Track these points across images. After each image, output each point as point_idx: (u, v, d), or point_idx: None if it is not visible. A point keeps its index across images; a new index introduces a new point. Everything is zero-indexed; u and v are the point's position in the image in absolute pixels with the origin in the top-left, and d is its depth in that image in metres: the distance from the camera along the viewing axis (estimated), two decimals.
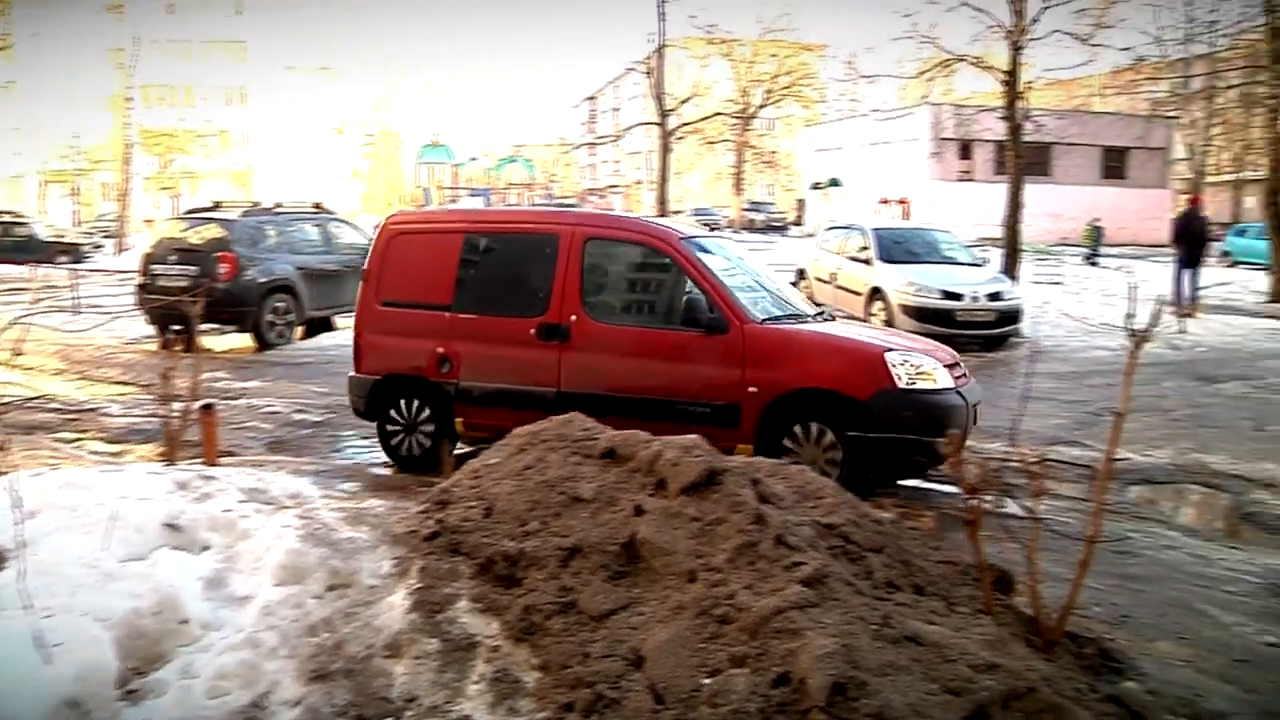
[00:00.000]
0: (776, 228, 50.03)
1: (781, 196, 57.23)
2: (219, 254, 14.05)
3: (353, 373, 8.30)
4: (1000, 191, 20.51)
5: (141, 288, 14.75)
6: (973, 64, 21.20)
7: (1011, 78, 19.51)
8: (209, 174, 64.83)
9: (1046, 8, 19.58)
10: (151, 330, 14.73)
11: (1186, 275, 19.25)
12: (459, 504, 4.14)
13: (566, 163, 73.25)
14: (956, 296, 14.70)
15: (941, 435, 6.43)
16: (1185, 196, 22.75)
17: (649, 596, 3.47)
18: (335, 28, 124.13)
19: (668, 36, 30.96)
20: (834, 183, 37.99)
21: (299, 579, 3.97)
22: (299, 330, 15.19)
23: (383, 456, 8.18)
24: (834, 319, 8.37)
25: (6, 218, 32.61)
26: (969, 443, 6.82)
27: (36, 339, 11.58)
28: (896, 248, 16.26)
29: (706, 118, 35.60)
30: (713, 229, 18.11)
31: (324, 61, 78.57)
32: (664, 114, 30.68)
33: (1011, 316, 15.18)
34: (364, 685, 3.52)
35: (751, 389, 6.95)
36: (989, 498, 3.89)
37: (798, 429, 6.95)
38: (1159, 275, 20.44)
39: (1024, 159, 20.34)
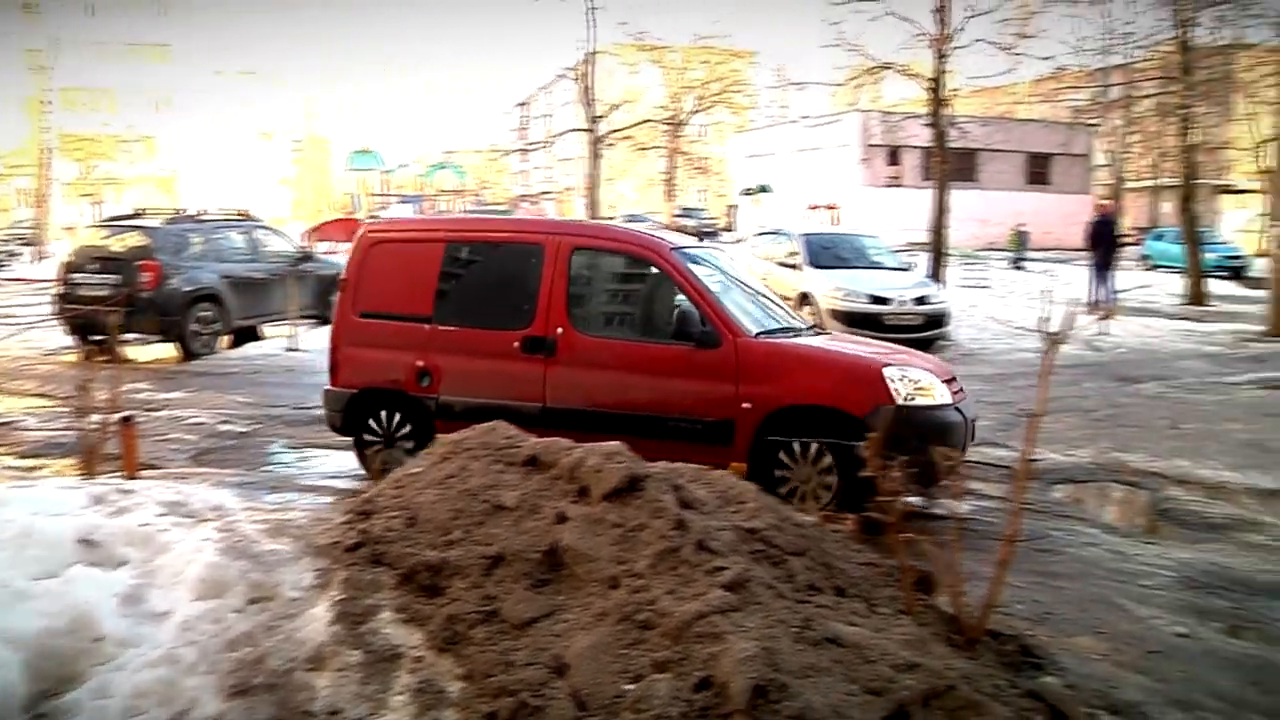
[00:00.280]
0: (708, 233, 50.29)
1: (714, 202, 57.55)
2: (141, 262, 13.77)
3: (328, 386, 8.02)
4: (928, 197, 20.84)
5: (60, 297, 14.39)
6: (899, 72, 21.54)
7: (936, 85, 19.86)
8: (133, 180, 63.40)
9: (970, 17, 20.01)
10: (71, 341, 14.38)
11: (1102, 278, 19.79)
12: (382, 514, 4.10)
13: (499, 169, 73.01)
14: (884, 301, 14.93)
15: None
16: (1098, 203, 23.35)
17: (572, 603, 3.47)
18: (263, 32, 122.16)
19: (598, 43, 31.02)
20: (764, 189, 38.33)
21: (219, 593, 3.90)
22: (225, 340, 14.94)
23: (311, 467, 8.07)
24: (827, 332, 8.26)
25: None
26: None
27: None
28: (825, 253, 16.48)
29: (637, 124, 35.65)
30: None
31: (251, 66, 77.36)
32: (594, 120, 30.71)
33: (938, 320, 15.44)
34: (286, 699, 3.47)
35: (745, 405, 6.76)
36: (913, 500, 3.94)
37: (796, 446, 6.75)
38: (1081, 279, 20.95)
39: (950, 165, 20.72)
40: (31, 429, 9.61)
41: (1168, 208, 37.52)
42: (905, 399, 6.64)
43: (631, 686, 3.04)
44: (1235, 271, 29.04)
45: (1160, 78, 26.61)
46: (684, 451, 6.27)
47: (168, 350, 14.27)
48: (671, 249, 7.47)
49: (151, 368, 13.39)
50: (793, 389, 6.78)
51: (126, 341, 13.48)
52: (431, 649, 3.54)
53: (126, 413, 6.01)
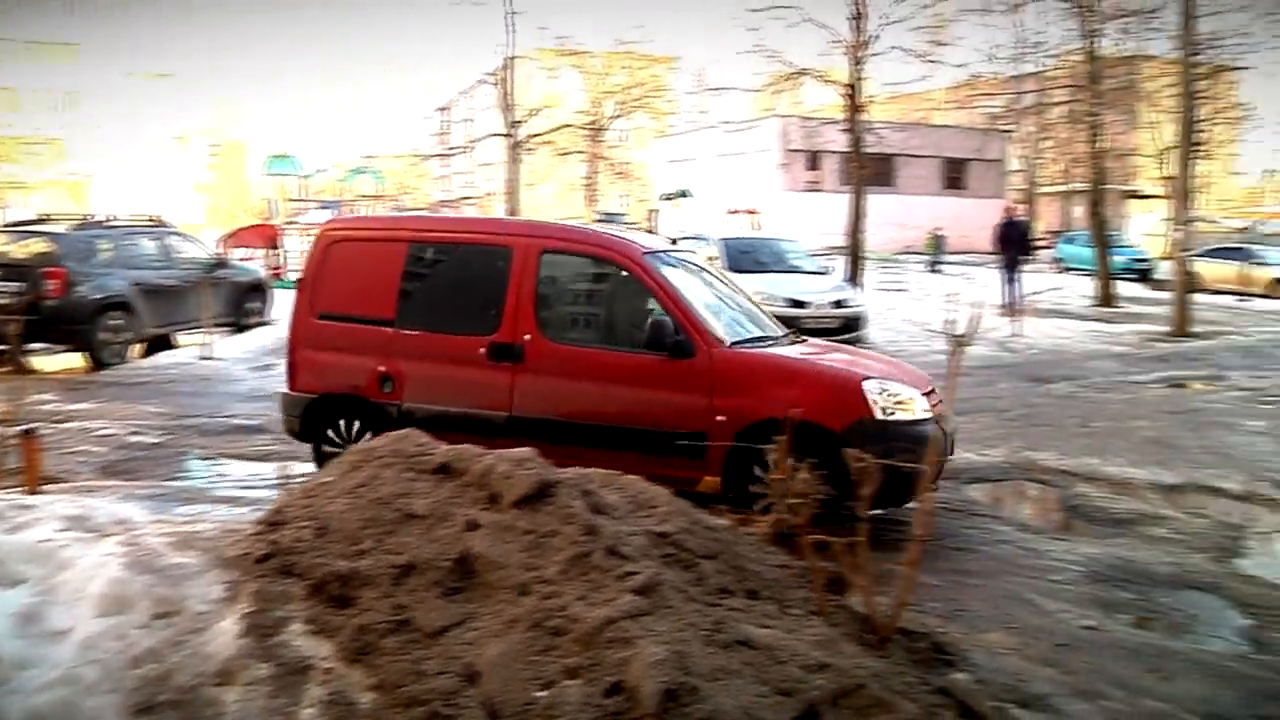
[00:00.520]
0: None
1: (635, 207, 57.68)
2: (46, 269, 13.37)
3: (285, 390, 7.79)
4: (847, 201, 21.15)
5: None
6: (816, 78, 21.84)
7: (853, 91, 20.17)
8: (39, 184, 61.65)
9: (885, 25, 20.36)
10: None
11: (1011, 280, 20.28)
12: (292, 524, 4.04)
13: (419, 174, 72.33)
14: (802, 304, 15.10)
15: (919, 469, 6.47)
16: (1006, 206, 23.92)
17: (483, 611, 3.45)
18: (178, 33, 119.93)
19: (518, 47, 30.93)
20: (684, 193, 38.47)
21: (123, 609, 3.80)
22: (137, 349, 14.60)
23: (226, 478, 7.92)
24: (804, 340, 7.95)
25: None
26: None
27: None
28: (744, 257, 16.63)
29: (557, 129, 35.61)
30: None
31: (166, 68, 75.78)
32: (513, 125, 30.63)
33: (855, 323, 15.66)
34: (192, 715, 3.39)
35: (719, 417, 6.51)
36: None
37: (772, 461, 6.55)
38: (995, 282, 21.41)
39: (867, 170, 21.08)
40: None
41: (1079, 212, 38.46)
42: (885, 413, 6.48)
43: (543, 693, 3.03)
44: (1142, 274, 29.88)
45: (1070, 86, 27.36)
46: (655, 465, 6.23)
47: (76, 360, 13.89)
48: (644, 253, 7.25)
49: (58, 378, 13.02)
50: (769, 402, 6.48)
51: (31, 351, 13.11)
52: (342, 660, 3.49)
53: (29, 425, 5.84)
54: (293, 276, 24.76)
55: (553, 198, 54.29)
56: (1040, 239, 40.53)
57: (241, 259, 22.02)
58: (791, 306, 15.01)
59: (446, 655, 3.30)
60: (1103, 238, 24.61)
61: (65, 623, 3.78)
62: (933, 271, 31.25)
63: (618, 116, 42.85)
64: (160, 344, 15.12)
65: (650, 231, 50.69)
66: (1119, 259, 27.95)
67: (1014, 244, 20.53)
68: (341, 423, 7.45)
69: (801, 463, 6.10)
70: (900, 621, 4.05)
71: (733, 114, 49.24)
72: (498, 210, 47.63)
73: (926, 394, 6.83)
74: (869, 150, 21.28)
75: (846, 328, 15.40)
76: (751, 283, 15.50)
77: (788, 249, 17.84)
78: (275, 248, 25.77)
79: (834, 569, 4.03)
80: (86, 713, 3.33)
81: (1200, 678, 4.66)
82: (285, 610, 3.74)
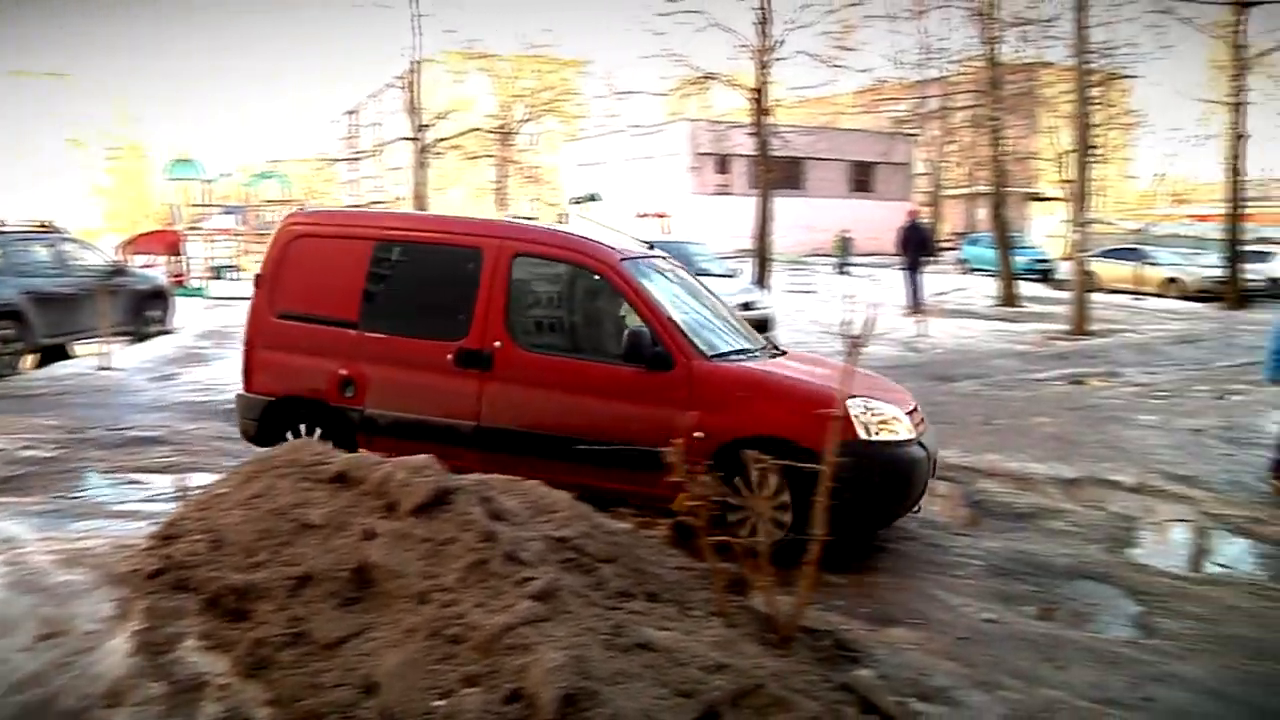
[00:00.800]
0: None
1: (545, 211, 57.57)
2: None
3: (241, 391, 7.48)
4: (755, 205, 21.36)
5: None
6: (723, 82, 22.02)
7: (759, 95, 20.38)
8: None
9: (791, 29, 20.62)
10: None
11: (914, 281, 20.70)
12: (186, 538, 3.94)
13: (326, 178, 71.21)
14: None
15: (903, 491, 6.35)
16: (909, 209, 24.41)
17: (381, 621, 3.40)
18: (73, 32, 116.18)
19: (426, 51, 30.67)
20: (593, 197, 38.49)
21: (4, 632, 3.67)
22: (29, 359, 14.10)
23: (124, 492, 7.67)
24: (784, 353, 7.60)
25: None
26: None
27: None
28: None
29: (464, 133, 35.34)
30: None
31: (59, 67, 73.45)
32: (421, 129, 30.33)
33: (762, 325, 15.73)
34: None
35: (697, 434, 6.02)
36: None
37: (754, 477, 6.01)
38: (899, 283, 21.83)
39: (775, 173, 21.33)
40: None
41: (983, 214, 39.35)
42: (869, 434, 6.22)
43: (441, 702, 3.00)
44: (1044, 274, 30.68)
45: (972, 91, 27.98)
46: (629, 480, 6.17)
47: None
48: (622, 259, 6.95)
49: None
50: (749, 419, 6.22)
51: None
52: (238, 675, 3.42)
53: None
54: (195, 283, 24.28)
55: (462, 202, 53.93)
56: (944, 241, 41.44)
57: (142, 266, 21.44)
58: None
59: (344, 667, 3.24)
60: (1005, 239, 25.23)
61: None
62: (841, 273, 31.71)
63: (527, 120, 42.70)
64: (55, 354, 14.63)
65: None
66: (1021, 260, 28.69)
67: (916, 246, 20.97)
68: (301, 427, 7.15)
69: (783, 482, 5.95)
70: (803, 620, 4.10)
71: (642, 118, 49.49)
72: None
73: (910, 413, 6.62)
74: (776, 154, 21.52)
75: (754, 329, 15.51)
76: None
77: (695, 252, 17.92)
78: (177, 254, 25.15)
79: (735, 570, 4.05)
80: None
81: (1093, 664, 4.83)
82: (178, 626, 3.65)
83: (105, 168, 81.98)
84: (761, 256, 20.88)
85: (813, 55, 21.67)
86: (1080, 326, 19.13)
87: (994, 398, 12.43)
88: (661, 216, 32.83)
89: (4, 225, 15.14)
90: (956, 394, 12.65)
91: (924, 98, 36.45)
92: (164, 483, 7.81)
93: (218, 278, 25.77)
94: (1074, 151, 20.89)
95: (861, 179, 49.05)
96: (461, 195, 53.06)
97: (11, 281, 13.76)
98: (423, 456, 4.07)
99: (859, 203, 46.28)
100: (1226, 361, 15.41)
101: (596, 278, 6.95)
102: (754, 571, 3.95)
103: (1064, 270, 24.18)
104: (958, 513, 7.87)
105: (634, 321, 6.61)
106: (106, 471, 8.61)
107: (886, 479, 6.22)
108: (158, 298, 17.32)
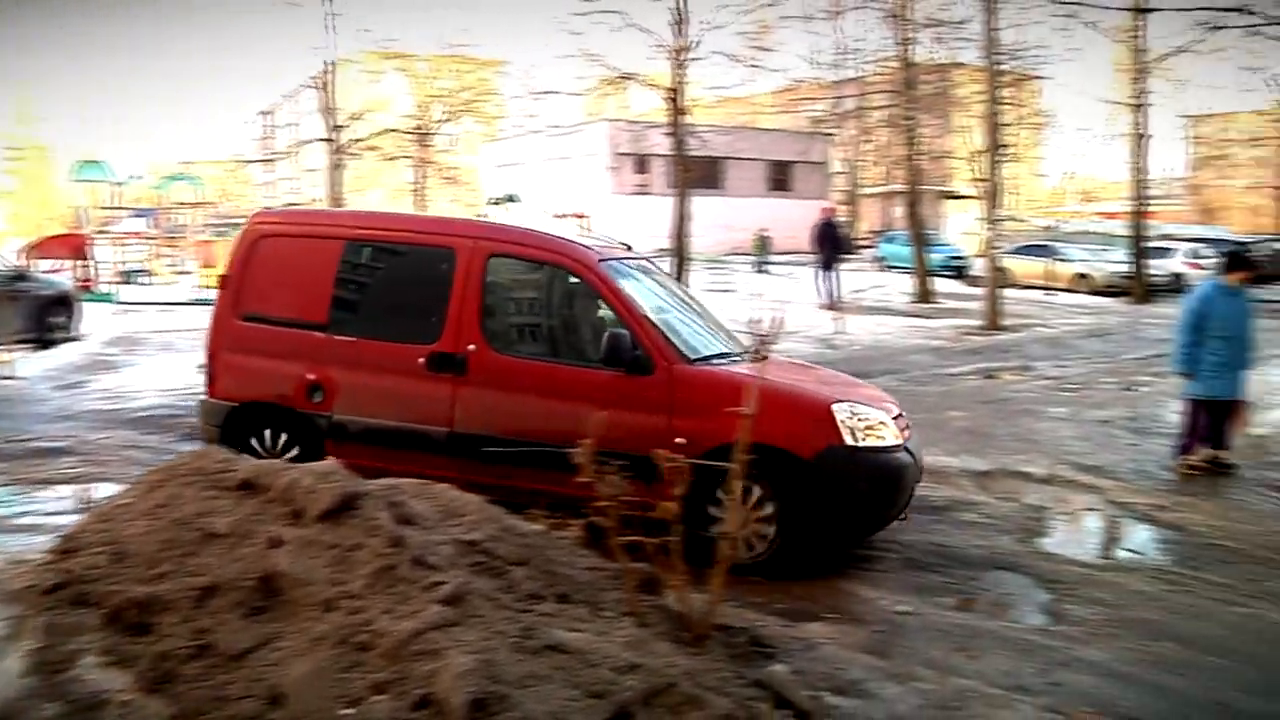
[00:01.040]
0: None
1: (464, 212, 57.21)
2: None
3: (205, 396, 7.22)
4: (673, 204, 21.45)
5: None
6: (640, 82, 22.08)
7: (675, 95, 20.47)
8: None
9: (707, 30, 20.75)
10: None
11: (828, 278, 20.99)
12: (86, 550, 3.81)
13: (240, 180, 69.94)
14: None
15: (891, 499, 6.28)
16: (822, 207, 24.74)
17: (288, 630, 3.33)
18: None
19: (341, 50, 30.26)
20: (512, 198, 38.31)
21: None
22: None
23: (25, 506, 7.42)
24: (766, 356, 7.51)
25: None
26: None
27: None
28: None
29: (381, 133, 34.92)
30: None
31: None
32: (335, 130, 29.93)
33: None
34: None
35: (679, 440, 5.72)
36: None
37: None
38: (814, 280, 22.10)
39: (693, 173, 21.44)
40: None
41: (899, 212, 40.00)
42: (855, 440, 6.10)
43: (350, 711, 2.95)
44: (959, 271, 31.27)
45: (887, 91, 28.45)
46: None
47: None
48: (600, 260, 6.76)
49: None
50: (732, 425, 5.77)
51: None
52: (140, 691, 3.31)
53: None
54: (104, 288, 23.62)
55: (380, 204, 53.31)
56: (862, 239, 42.02)
57: (47, 271, 20.81)
58: None
59: (250, 678, 3.17)
60: (920, 237, 25.68)
61: None
62: (759, 272, 31.97)
63: (445, 121, 42.31)
64: None
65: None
66: (936, 257, 29.25)
67: (831, 244, 21.25)
68: (267, 433, 6.95)
69: (768, 490, 5.94)
70: (717, 618, 4.11)
71: (560, 118, 49.50)
72: None
73: (895, 418, 6.52)
74: (694, 153, 21.63)
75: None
76: None
77: None
78: (84, 258, 24.45)
79: (648, 570, 4.05)
80: None
81: (1004, 652, 4.95)
82: (77, 643, 3.52)
83: (7, 169, 79.41)
84: (680, 256, 20.98)
85: (729, 55, 21.90)
86: (994, 322, 19.52)
87: (910, 392, 12.56)
88: (580, 217, 32.82)
89: None
90: None
91: (840, 98, 37.00)
92: (68, 494, 7.57)
93: (128, 282, 25.13)
94: (986, 150, 21.35)
95: (780, 178, 49.52)
96: (380, 197, 52.44)
97: None
98: (328, 462, 4.00)
99: (777, 202, 46.68)
100: (1133, 354, 15.88)
101: (574, 279, 6.81)
102: (666, 570, 3.95)
103: (978, 267, 24.66)
104: None
105: (613, 324, 6.45)
106: (6, 484, 8.33)
107: (874, 485, 6.18)
108: (63, 303, 16.82)
